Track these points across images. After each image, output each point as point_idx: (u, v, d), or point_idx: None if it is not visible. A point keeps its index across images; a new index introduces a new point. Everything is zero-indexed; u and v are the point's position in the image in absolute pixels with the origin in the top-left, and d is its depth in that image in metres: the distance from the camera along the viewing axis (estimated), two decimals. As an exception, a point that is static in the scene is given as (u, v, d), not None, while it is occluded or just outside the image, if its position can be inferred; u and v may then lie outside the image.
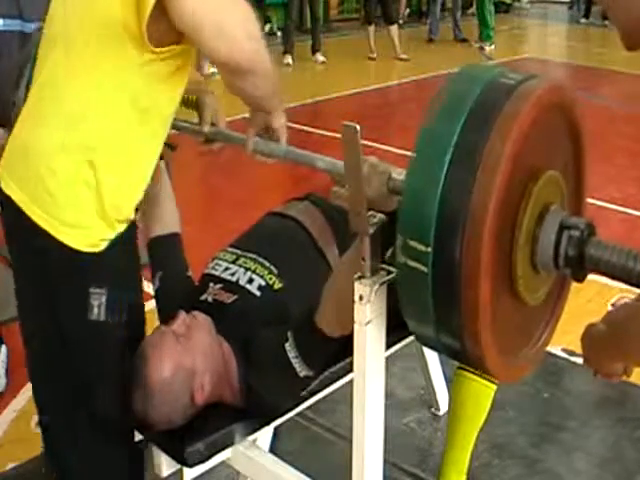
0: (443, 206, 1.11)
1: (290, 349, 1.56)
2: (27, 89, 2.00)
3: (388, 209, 1.35)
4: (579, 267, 1.20)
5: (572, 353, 2.77)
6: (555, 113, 1.25)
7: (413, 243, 1.14)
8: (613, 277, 1.19)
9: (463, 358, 1.25)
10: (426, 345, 1.34)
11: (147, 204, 1.92)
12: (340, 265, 1.56)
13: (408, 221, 1.15)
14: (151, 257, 1.90)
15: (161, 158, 1.94)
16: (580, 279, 1.23)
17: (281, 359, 1.57)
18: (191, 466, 1.62)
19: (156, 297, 1.87)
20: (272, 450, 1.85)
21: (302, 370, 1.57)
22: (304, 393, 1.74)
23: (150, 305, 1.90)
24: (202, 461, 1.63)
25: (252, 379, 1.63)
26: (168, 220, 1.91)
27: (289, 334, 1.57)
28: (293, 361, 1.56)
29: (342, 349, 1.61)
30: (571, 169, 1.37)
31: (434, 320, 1.18)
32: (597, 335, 1.18)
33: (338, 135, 1.22)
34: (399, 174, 1.36)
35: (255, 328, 1.66)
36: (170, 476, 1.69)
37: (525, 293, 1.24)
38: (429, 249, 1.12)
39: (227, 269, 1.81)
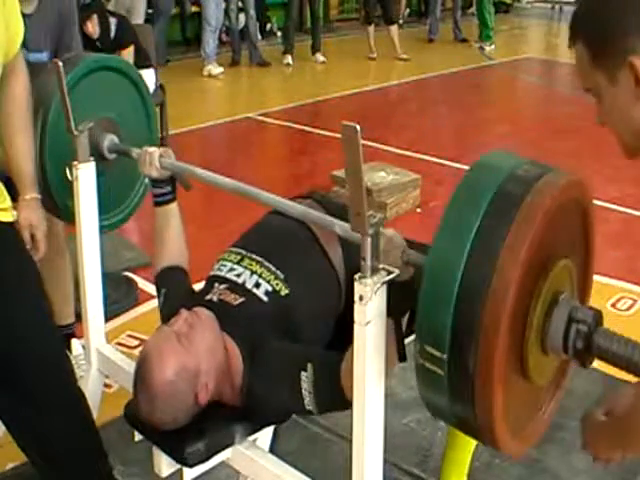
0: (458, 316, 1.16)
1: (306, 380, 1.55)
2: (42, 131, 2.05)
3: (403, 279, 1.40)
4: (586, 356, 1.25)
5: (572, 353, 2.76)
6: (570, 206, 1.29)
7: (429, 349, 1.20)
8: (619, 367, 1.23)
9: (478, 439, 1.33)
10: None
11: (157, 244, 1.94)
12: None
13: (425, 328, 1.21)
14: (157, 287, 1.91)
15: (173, 200, 1.94)
16: (586, 365, 1.28)
17: (293, 383, 1.56)
18: (191, 466, 1.62)
19: (161, 312, 1.86)
20: (272, 450, 1.85)
21: (310, 405, 1.57)
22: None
23: (151, 305, 1.90)
24: (202, 461, 1.63)
25: (256, 384, 1.62)
26: (176, 259, 1.92)
27: (309, 365, 1.56)
28: (304, 393, 1.56)
29: (337, 348, 1.60)
30: (579, 248, 1.40)
31: (452, 414, 1.26)
32: (598, 424, 1.19)
33: (338, 135, 1.22)
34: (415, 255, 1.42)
35: (266, 333, 1.66)
36: (170, 476, 1.69)
37: (536, 378, 1.30)
38: (445, 356, 1.18)
39: (232, 270, 1.80)
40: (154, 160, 1.89)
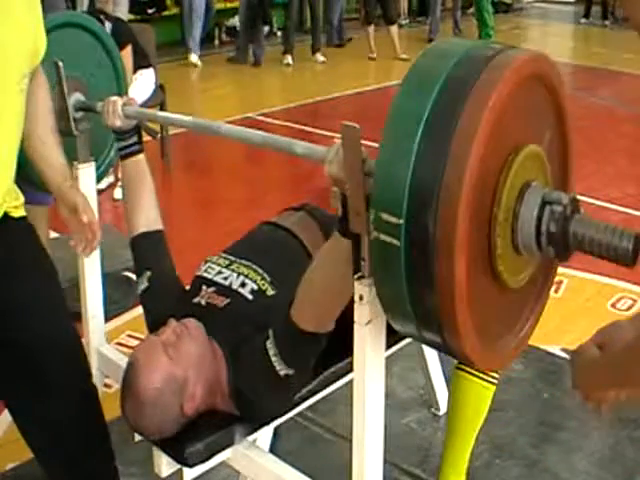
0: (415, 177, 1.07)
1: (271, 347, 1.55)
2: None
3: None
4: (562, 245, 1.15)
5: (572, 353, 2.76)
6: (535, 84, 1.20)
7: (385, 216, 1.10)
8: (599, 255, 1.13)
9: (442, 345, 1.19)
10: (405, 334, 1.29)
11: (129, 201, 1.91)
12: (316, 258, 1.53)
13: (380, 193, 1.12)
14: (136, 255, 1.88)
15: (140, 151, 1.91)
16: (564, 259, 1.19)
17: (263, 358, 1.56)
18: (191, 466, 1.62)
19: (142, 297, 1.84)
20: (272, 450, 1.85)
21: (282, 369, 1.56)
22: (297, 397, 1.73)
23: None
24: (202, 461, 1.63)
25: (240, 382, 1.62)
26: (152, 217, 1.89)
27: (270, 332, 1.56)
28: (273, 359, 1.55)
29: (337, 349, 1.60)
30: (556, 147, 1.31)
31: (409, 300, 1.13)
32: (591, 359, 1.11)
33: (338, 135, 1.22)
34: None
35: (250, 333, 1.65)
36: (170, 476, 1.69)
37: (506, 274, 1.19)
38: (401, 221, 1.09)
39: (220, 273, 1.81)
40: (117, 109, 1.85)
